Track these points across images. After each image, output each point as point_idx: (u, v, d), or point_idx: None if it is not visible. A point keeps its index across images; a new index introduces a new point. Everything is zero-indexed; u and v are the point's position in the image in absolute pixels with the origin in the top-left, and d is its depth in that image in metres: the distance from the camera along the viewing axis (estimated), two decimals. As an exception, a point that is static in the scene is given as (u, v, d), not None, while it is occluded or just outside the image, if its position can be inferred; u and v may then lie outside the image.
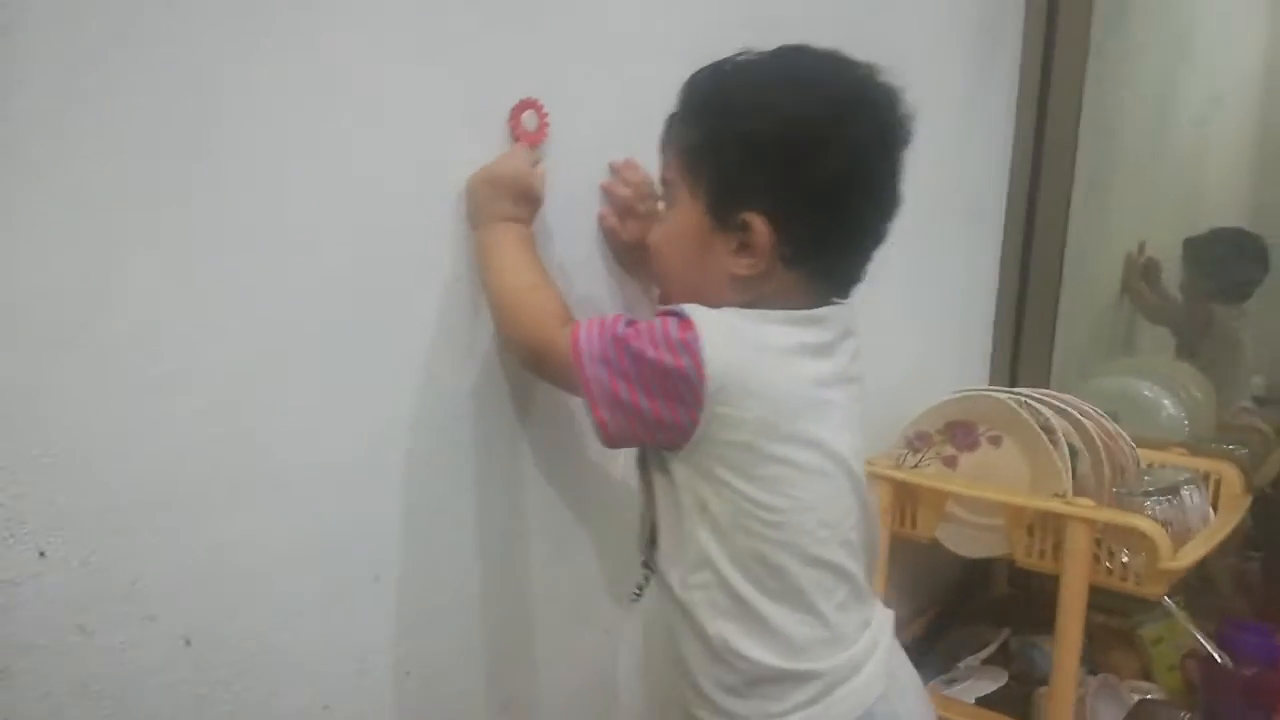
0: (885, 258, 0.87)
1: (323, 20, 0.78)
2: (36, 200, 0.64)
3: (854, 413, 0.86)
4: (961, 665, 1.71)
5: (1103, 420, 1.52)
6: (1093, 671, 1.62)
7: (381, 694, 0.92)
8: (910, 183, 0.85)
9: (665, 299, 0.90)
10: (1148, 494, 1.50)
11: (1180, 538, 1.40)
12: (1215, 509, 1.58)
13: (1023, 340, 2.01)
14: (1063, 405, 1.50)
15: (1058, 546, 1.39)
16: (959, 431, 1.52)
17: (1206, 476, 1.62)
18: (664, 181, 0.88)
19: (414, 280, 0.89)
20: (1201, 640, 1.61)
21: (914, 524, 1.51)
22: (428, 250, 0.89)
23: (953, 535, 1.52)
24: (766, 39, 0.85)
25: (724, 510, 0.81)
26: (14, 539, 0.65)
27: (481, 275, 0.90)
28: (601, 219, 1.02)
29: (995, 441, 1.50)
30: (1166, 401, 2.01)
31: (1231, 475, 1.65)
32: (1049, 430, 1.45)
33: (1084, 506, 1.35)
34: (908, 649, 0.95)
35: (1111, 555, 1.40)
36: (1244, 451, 1.86)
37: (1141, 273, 2.33)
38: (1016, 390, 1.59)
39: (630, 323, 0.80)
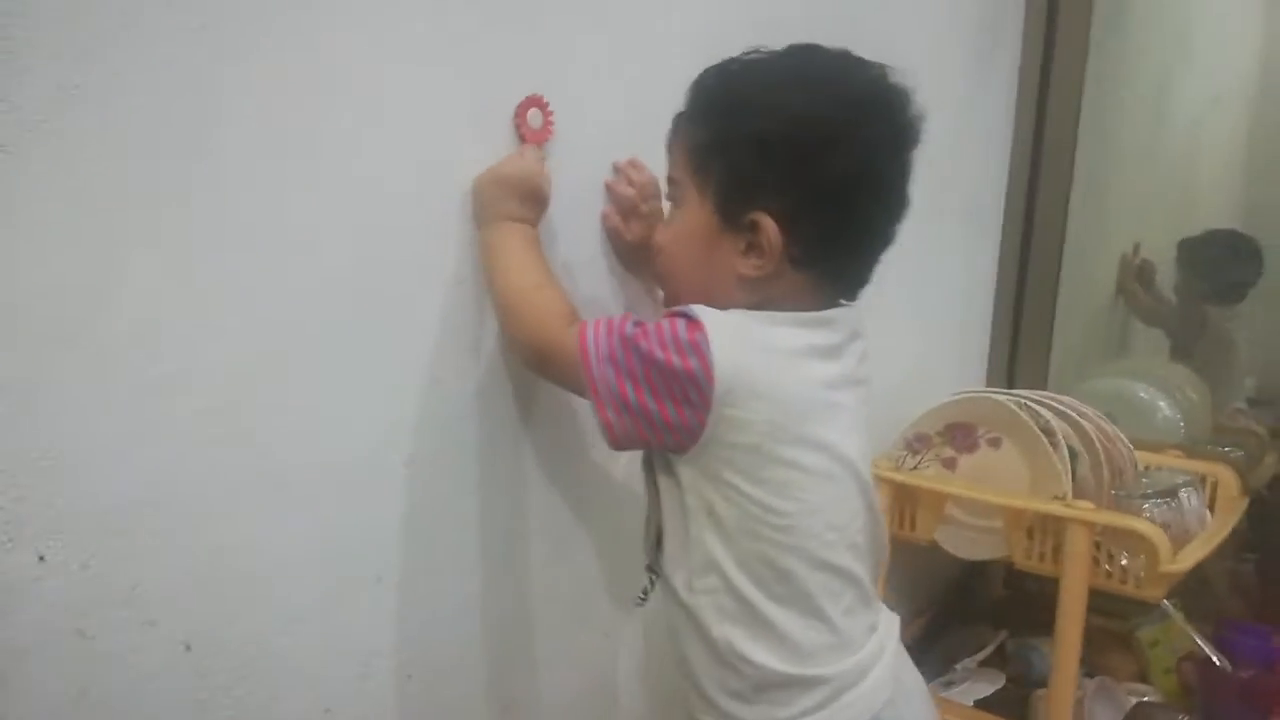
0: (884, 258, 0.86)
1: (323, 20, 0.77)
2: (36, 199, 0.63)
3: (861, 415, 0.86)
4: (959, 667, 1.71)
5: (1101, 422, 1.52)
6: (1089, 673, 1.62)
7: (383, 697, 0.91)
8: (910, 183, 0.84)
9: (671, 300, 0.89)
10: (1146, 496, 1.50)
11: (1178, 540, 1.40)
12: (1212, 511, 1.58)
13: (1020, 341, 2.02)
14: (1062, 407, 1.50)
15: (1057, 549, 1.39)
16: (958, 433, 1.52)
17: (1203, 479, 1.62)
18: (671, 181, 0.87)
19: (417, 280, 0.88)
20: (1200, 643, 1.61)
21: (913, 526, 1.51)
22: (431, 250, 0.88)
23: (952, 537, 1.52)
24: (768, 38, 0.85)
25: (731, 513, 0.80)
26: (13, 543, 0.64)
27: (487, 274, 0.89)
28: (605, 218, 1.01)
29: (995, 443, 1.50)
30: (1162, 403, 2.01)
31: (1228, 477, 1.65)
32: (1049, 432, 1.45)
33: (1084, 509, 1.35)
34: (906, 651, 0.95)
35: (1111, 558, 1.39)
36: (1240, 454, 1.86)
37: (1136, 274, 2.33)
38: (1016, 392, 1.58)
39: (638, 323, 0.80)
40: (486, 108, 0.90)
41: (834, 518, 0.82)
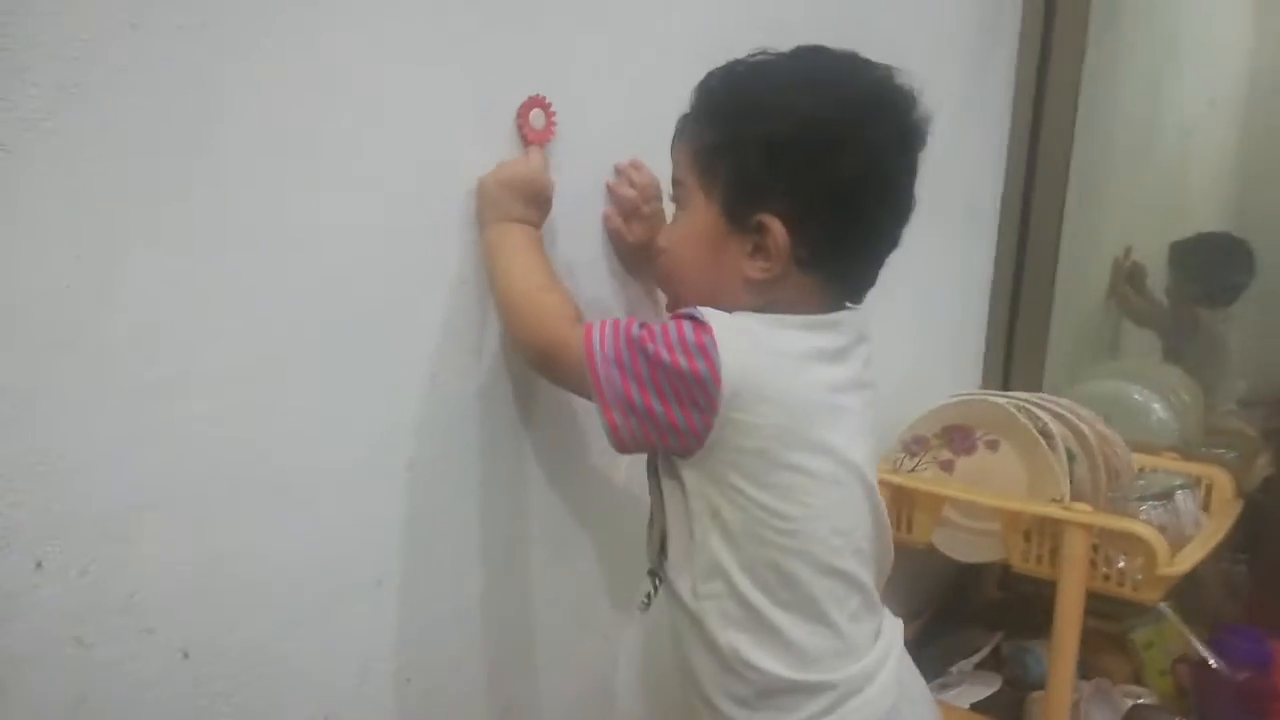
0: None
1: (324, 19, 0.76)
2: (35, 199, 0.62)
3: (867, 419, 0.85)
4: (954, 670, 1.71)
5: (1098, 425, 1.52)
6: (1085, 675, 1.62)
7: (383, 701, 0.90)
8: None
9: (673, 303, 0.89)
10: (1142, 499, 1.50)
11: (1174, 543, 1.39)
12: (1206, 513, 1.58)
13: (1016, 344, 2.01)
14: (1060, 409, 1.49)
15: (1054, 552, 1.38)
16: (956, 436, 1.51)
17: (1198, 481, 1.62)
18: (675, 183, 0.86)
19: (418, 282, 0.87)
20: (1197, 645, 1.61)
21: (910, 529, 1.50)
22: (432, 251, 0.88)
23: (949, 540, 1.51)
24: (769, 39, 0.85)
25: (736, 518, 0.79)
26: (10, 549, 0.63)
27: (491, 275, 0.89)
28: (606, 220, 1.01)
29: (992, 446, 1.49)
30: (1156, 405, 2.01)
31: (1222, 479, 1.65)
32: (1047, 435, 1.44)
33: (1082, 512, 1.35)
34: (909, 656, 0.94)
35: (1108, 561, 1.39)
36: (1233, 455, 1.87)
37: (1127, 276, 2.34)
38: (1014, 394, 1.58)
39: (644, 325, 0.79)
40: (488, 108, 0.90)
41: (840, 522, 0.82)
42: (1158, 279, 2.33)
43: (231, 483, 0.75)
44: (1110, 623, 1.74)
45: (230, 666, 0.77)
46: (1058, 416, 1.48)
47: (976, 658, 1.73)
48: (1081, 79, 1.88)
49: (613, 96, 1.01)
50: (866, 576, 0.85)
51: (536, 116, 0.91)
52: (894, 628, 0.90)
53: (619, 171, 1.00)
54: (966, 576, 1.92)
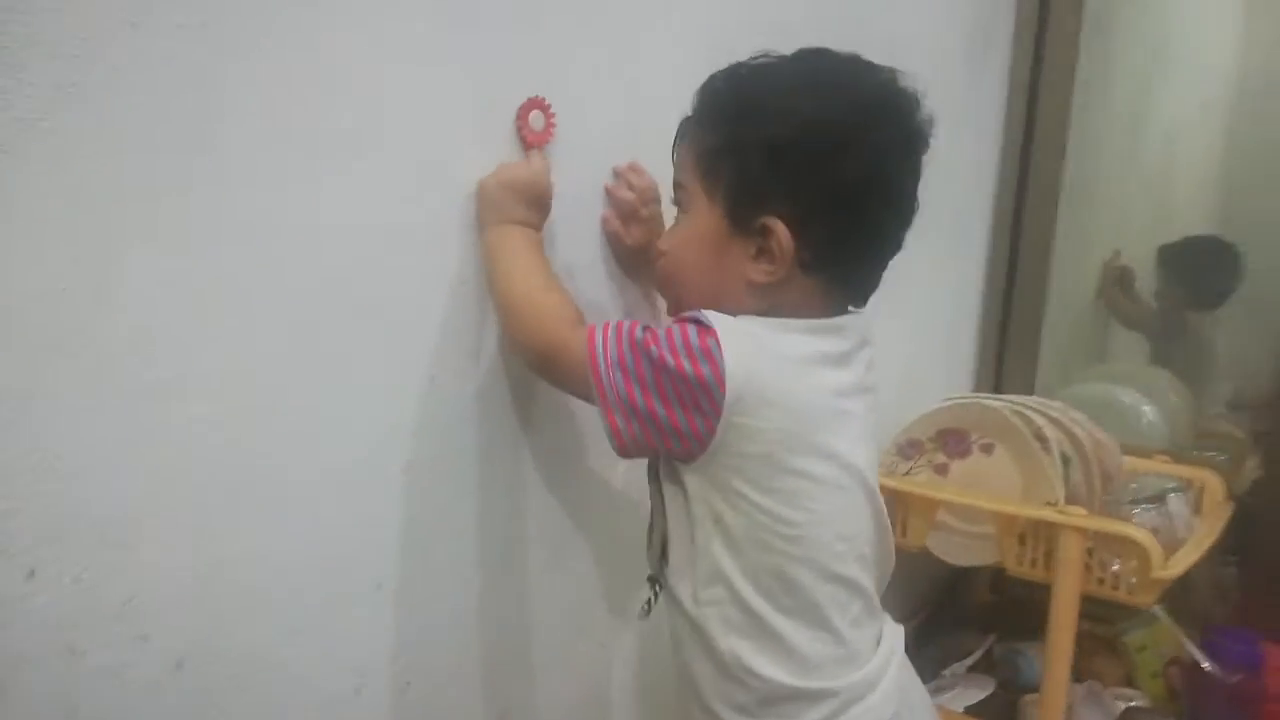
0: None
1: (324, 19, 0.75)
2: (32, 200, 0.61)
3: (869, 423, 0.85)
4: (947, 673, 1.71)
5: (1093, 428, 1.52)
6: (1077, 678, 1.62)
7: (381, 707, 0.89)
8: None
9: (676, 306, 0.88)
10: (1135, 502, 1.50)
11: (1167, 546, 1.40)
12: (1197, 515, 1.58)
13: (1008, 346, 2.02)
14: (1054, 413, 1.49)
15: (1049, 555, 1.38)
16: (951, 439, 1.51)
17: (1189, 483, 1.63)
18: (677, 185, 0.86)
19: (416, 283, 0.86)
20: (1191, 648, 1.62)
21: (904, 532, 1.50)
22: (431, 252, 0.87)
23: (943, 543, 1.51)
24: (768, 40, 0.84)
25: (739, 523, 0.79)
26: (2, 554, 0.62)
27: (491, 277, 0.88)
28: (605, 222, 1.00)
29: (987, 449, 1.49)
30: (1146, 408, 2.02)
31: (1214, 482, 1.66)
32: (1041, 438, 1.45)
33: (1077, 516, 1.35)
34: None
35: (1103, 564, 1.39)
36: (1223, 457, 1.88)
37: (1116, 279, 2.34)
38: (1009, 398, 1.58)
39: (647, 327, 0.78)
40: (487, 109, 0.89)
41: (843, 528, 0.81)
42: (1147, 282, 2.34)
43: (229, 486, 0.74)
44: (1102, 625, 1.74)
45: (226, 674, 0.76)
46: (1052, 420, 1.48)
47: (969, 660, 1.73)
48: (1074, 84, 1.89)
49: (612, 98, 1.00)
50: (868, 582, 0.85)
51: (536, 118, 0.90)
52: (894, 633, 0.90)
53: (617, 174, 0.99)
54: (959, 579, 1.93)
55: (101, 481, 0.66)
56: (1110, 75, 2.12)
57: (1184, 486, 1.57)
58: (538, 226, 0.88)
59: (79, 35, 0.61)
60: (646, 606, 0.90)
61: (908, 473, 1.54)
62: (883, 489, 1.43)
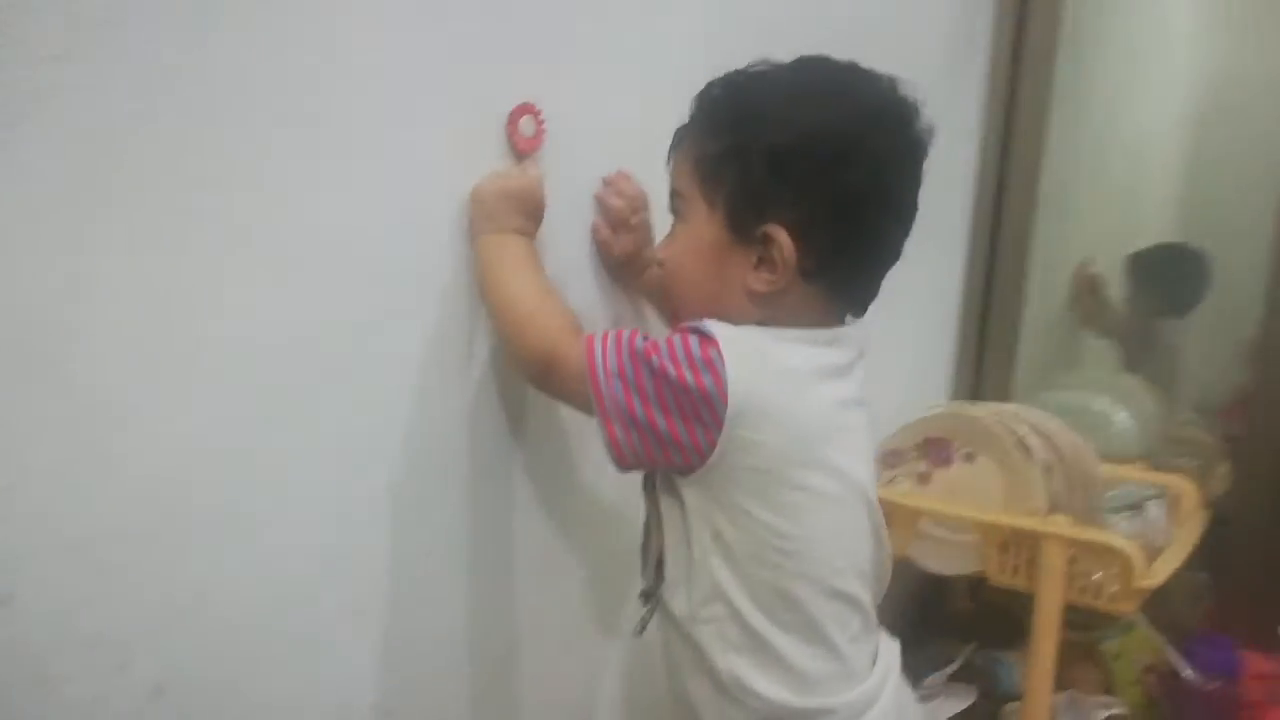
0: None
1: (321, 21, 0.73)
2: (10, 204, 0.58)
3: (867, 437, 0.83)
4: (927, 682, 1.70)
5: (1073, 437, 1.52)
6: (1056, 687, 1.62)
7: (363, 736, 0.86)
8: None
9: (674, 317, 0.86)
10: (1115, 510, 1.50)
11: (1146, 553, 1.40)
12: (1172, 522, 1.59)
13: (986, 355, 2.02)
14: (1036, 421, 1.49)
15: (1031, 563, 1.38)
16: (934, 448, 1.50)
17: (1164, 490, 1.63)
18: (674, 194, 0.84)
19: (403, 294, 0.84)
20: (1172, 655, 1.62)
21: (887, 541, 1.49)
22: (418, 262, 0.84)
23: (925, 552, 1.51)
24: (761, 47, 0.83)
25: (739, 539, 0.77)
26: (-26, 581, 0.59)
27: (486, 285, 0.85)
28: (595, 231, 0.98)
29: (969, 458, 1.48)
30: (1119, 415, 2.03)
31: (1188, 489, 1.67)
32: (1024, 448, 1.44)
33: (1059, 525, 1.34)
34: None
35: (1085, 573, 1.39)
36: (1196, 464, 1.89)
37: (1088, 287, 2.36)
38: (991, 406, 1.58)
39: (647, 337, 0.76)
40: (477, 115, 0.87)
41: (844, 543, 0.80)
42: (1118, 290, 2.36)
43: (208, 509, 0.71)
44: (1079, 633, 1.74)
45: (206, 702, 0.73)
46: (1035, 428, 1.47)
47: (950, 669, 1.73)
48: (1052, 93, 1.90)
49: (603, 104, 0.98)
50: (867, 598, 0.84)
51: (526, 124, 0.88)
52: (890, 649, 0.89)
53: (607, 182, 0.97)
54: (937, 587, 1.92)
55: (78, 508, 0.63)
56: (1086, 86, 2.14)
57: (1162, 493, 1.57)
58: (532, 235, 0.87)
59: (66, 33, 0.59)
60: (641, 624, 0.88)
61: (890, 482, 1.54)
62: (865, 498, 1.45)
